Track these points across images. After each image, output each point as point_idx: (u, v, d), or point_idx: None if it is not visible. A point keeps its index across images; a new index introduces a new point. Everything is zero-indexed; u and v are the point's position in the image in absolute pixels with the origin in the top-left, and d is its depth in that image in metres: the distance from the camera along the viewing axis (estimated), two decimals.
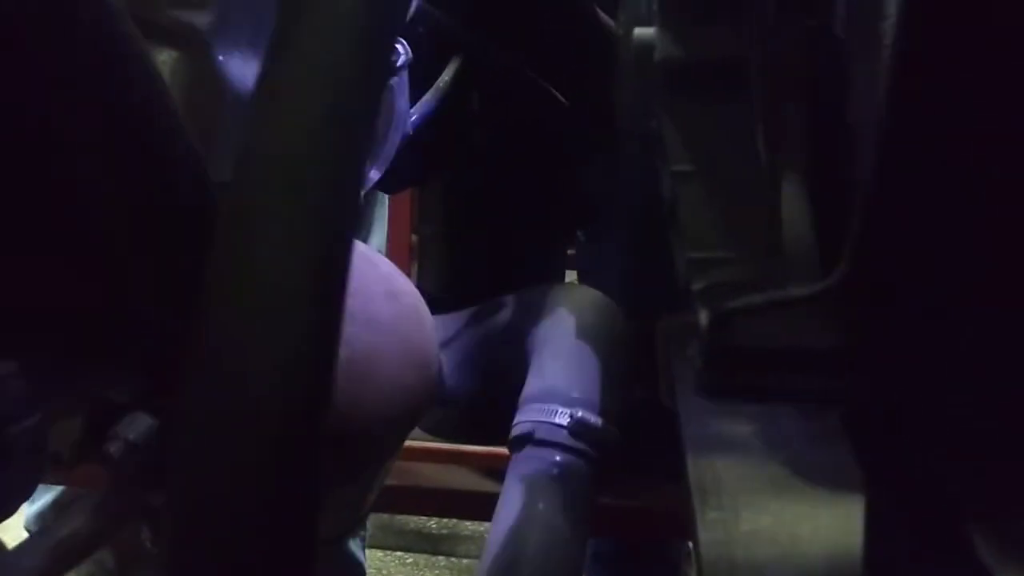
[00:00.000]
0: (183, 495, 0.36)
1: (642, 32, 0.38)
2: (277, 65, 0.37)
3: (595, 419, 0.79)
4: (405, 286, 0.69)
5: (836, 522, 0.53)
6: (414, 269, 1.25)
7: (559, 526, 0.74)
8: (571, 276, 1.22)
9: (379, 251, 1.27)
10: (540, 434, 0.78)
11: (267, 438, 0.34)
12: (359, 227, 1.20)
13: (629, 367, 0.86)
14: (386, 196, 1.22)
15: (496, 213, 1.05)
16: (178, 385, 0.38)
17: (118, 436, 0.47)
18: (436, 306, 0.96)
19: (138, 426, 0.47)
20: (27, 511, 1.14)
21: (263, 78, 0.39)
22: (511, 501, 0.75)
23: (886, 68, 0.30)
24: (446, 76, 0.89)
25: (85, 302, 0.45)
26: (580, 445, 0.77)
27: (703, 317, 0.33)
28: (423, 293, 1.04)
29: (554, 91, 0.95)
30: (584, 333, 0.84)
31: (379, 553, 1.51)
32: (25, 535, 1.04)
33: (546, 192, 1.05)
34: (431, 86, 0.89)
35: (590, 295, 0.91)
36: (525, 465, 0.77)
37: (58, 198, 0.42)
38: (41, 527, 1.04)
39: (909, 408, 0.32)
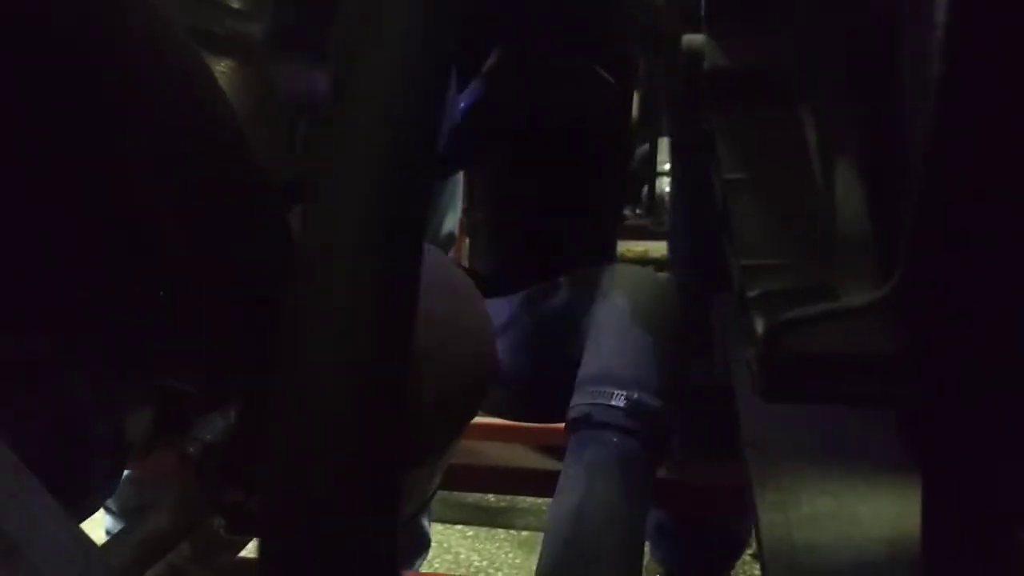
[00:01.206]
0: (279, 492, 0.36)
1: (691, 39, 0.38)
2: (345, 83, 0.38)
3: (651, 400, 0.79)
4: (459, 276, 0.70)
5: (896, 503, 0.53)
6: (464, 248, 1.26)
7: (618, 505, 0.76)
8: None
9: (452, 233, 1.26)
10: (597, 416, 0.79)
11: (358, 433, 0.35)
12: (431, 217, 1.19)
13: (684, 347, 0.86)
14: (460, 178, 1.21)
15: (545, 194, 1.05)
16: (258, 381, 0.40)
17: (196, 438, 0.49)
18: (489, 285, 0.97)
19: (214, 427, 0.49)
20: None
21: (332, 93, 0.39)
22: (571, 482, 0.77)
23: (937, 61, 0.30)
24: (491, 62, 0.89)
25: (156, 298, 0.47)
26: (636, 426, 0.78)
27: (759, 326, 0.33)
28: (474, 272, 1.05)
29: (601, 71, 0.94)
30: (639, 314, 0.85)
31: (440, 527, 1.55)
32: (103, 514, 1.08)
33: (595, 172, 1.05)
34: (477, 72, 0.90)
35: (644, 275, 0.91)
36: (583, 447, 0.79)
37: (130, 203, 0.44)
38: (123, 521, 1.07)
39: (966, 414, 0.33)
